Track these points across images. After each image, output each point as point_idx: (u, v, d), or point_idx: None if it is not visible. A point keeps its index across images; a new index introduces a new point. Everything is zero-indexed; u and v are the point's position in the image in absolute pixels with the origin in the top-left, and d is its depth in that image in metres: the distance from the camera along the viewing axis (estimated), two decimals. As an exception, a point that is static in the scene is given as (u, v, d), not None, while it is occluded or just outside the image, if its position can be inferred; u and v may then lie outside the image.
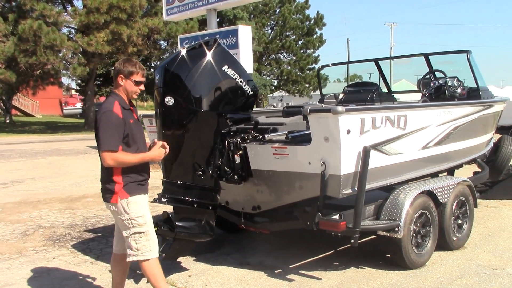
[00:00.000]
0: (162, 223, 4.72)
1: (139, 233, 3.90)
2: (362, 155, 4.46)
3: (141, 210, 3.90)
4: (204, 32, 13.16)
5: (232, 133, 4.92)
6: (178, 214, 4.78)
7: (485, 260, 5.37)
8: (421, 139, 5.31)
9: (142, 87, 4.00)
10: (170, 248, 4.71)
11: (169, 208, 4.97)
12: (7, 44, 23.56)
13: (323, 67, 8.87)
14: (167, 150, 4.08)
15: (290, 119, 5.34)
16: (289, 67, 39.75)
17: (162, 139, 4.72)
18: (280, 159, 4.73)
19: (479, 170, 7.64)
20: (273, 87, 41.93)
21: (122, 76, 3.90)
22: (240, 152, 4.93)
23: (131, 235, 3.89)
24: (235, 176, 4.94)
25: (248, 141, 4.95)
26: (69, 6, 27.82)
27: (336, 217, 4.57)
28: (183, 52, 4.62)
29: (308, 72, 39.88)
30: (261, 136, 4.93)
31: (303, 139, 4.61)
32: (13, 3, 26.09)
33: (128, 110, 3.91)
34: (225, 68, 4.67)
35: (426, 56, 7.44)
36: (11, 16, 24.38)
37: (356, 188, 4.50)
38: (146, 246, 3.93)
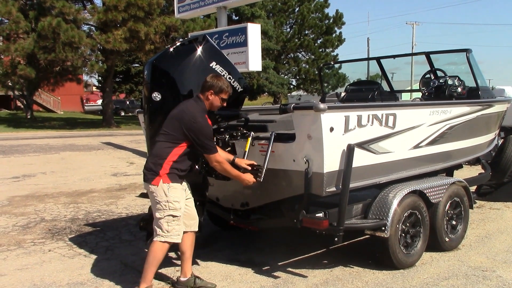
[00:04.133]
0: (148, 218, 4.76)
1: (173, 216, 4.24)
2: (346, 153, 4.43)
3: (178, 196, 4.28)
4: (213, 30, 13.20)
5: (221, 129, 4.94)
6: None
7: (476, 261, 5.28)
8: (412, 138, 5.23)
9: (224, 103, 4.43)
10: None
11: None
12: (28, 41, 24.04)
13: (324, 65, 8.84)
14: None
15: (281, 116, 5.32)
16: (307, 66, 39.58)
17: (150, 135, 4.78)
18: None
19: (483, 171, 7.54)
20: (291, 86, 41.81)
21: (212, 91, 4.32)
22: (229, 148, 4.94)
23: (164, 217, 4.24)
24: None
25: (238, 138, 4.96)
26: (88, 3, 28.20)
27: (320, 215, 4.55)
28: (171, 48, 4.65)
29: (326, 71, 39.63)
30: (248, 133, 4.93)
31: (288, 136, 4.60)
32: (34, 1, 26.58)
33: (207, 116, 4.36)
34: (213, 64, 4.68)
35: (428, 55, 7.34)
36: (32, 13, 24.88)
37: (340, 187, 4.48)
38: (176, 230, 4.28)
